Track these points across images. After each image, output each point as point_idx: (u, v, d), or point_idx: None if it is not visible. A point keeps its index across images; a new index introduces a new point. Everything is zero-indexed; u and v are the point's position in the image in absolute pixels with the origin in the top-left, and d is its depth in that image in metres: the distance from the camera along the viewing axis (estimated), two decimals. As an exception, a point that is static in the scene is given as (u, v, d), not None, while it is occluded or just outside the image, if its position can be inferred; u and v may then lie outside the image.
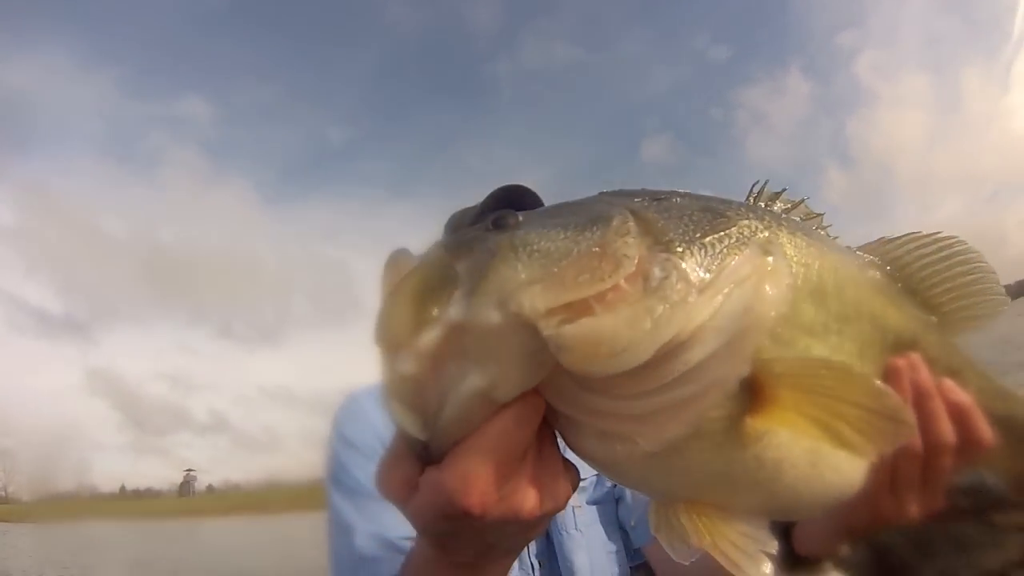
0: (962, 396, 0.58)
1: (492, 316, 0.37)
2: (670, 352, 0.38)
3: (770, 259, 0.43)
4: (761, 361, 0.42)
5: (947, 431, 0.57)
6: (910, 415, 0.41)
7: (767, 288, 0.41)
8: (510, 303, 0.37)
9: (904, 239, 0.61)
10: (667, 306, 0.37)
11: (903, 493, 0.58)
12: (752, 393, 0.43)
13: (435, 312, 0.38)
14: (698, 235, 0.42)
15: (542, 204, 1.11)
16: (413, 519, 0.44)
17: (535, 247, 0.40)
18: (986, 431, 0.58)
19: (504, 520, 0.42)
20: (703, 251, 0.41)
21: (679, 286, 0.38)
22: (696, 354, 0.39)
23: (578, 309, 0.37)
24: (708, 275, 0.40)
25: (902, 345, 0.57)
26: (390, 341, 0.39)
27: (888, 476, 0.57)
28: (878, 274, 0.59)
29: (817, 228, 0.59)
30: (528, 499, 0.43)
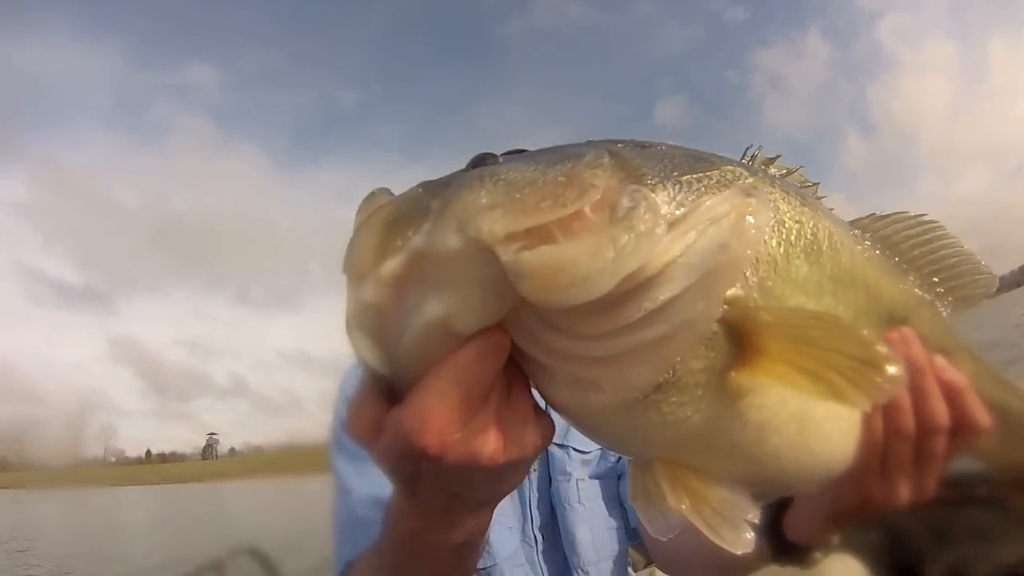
0: (957, 376, 0.55)
1: (451, 240, 0.36)
2: (635, 287, 0.36)
3: (752, 200, 0.40)
4: (749, 310, 0.41)
5: (940, 410, 0.54)
6: (901, 366, 0.38)
7: (746, 228, 0.38)
8: (469, 227, 0.36)
9: (893, 217, 0.60)
10: (632, 236, 0.35)
11: (894, 475, 0.55)
12: (739, 346, 0.41)
13: (400, 242, 0.38)
14: (675, 173, 0.40)
15: None
16: (379, 462, 0.43)
17: (502, 177, 0.38)
18: (982, 414, 0.55)
19: (464, 464, 0.40)
20: (678, 187, 0.39)
21: (647, 217, 0.36)
22: (664, 291, 0.36)
23: (539, 235, 0.35)
24: (681, 210, 0.38)
25: (896, 319, 0.55)
26: (354, 269, 0.38)
27: (879, 456, 0.54)
28: (875, 248, 0.57)
29: (814, 196, 0.56)
30: (489, 442, 0.40)
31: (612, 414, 0.41)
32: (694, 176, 0.40)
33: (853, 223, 0.58)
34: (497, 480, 0.44)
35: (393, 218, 0.39)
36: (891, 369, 0.38)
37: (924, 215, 0.60)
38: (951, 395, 0.54)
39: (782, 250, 0.45)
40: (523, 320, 0.39)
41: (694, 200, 0.38)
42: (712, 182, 0.40)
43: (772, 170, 0.54)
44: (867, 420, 0.50)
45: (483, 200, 0.37)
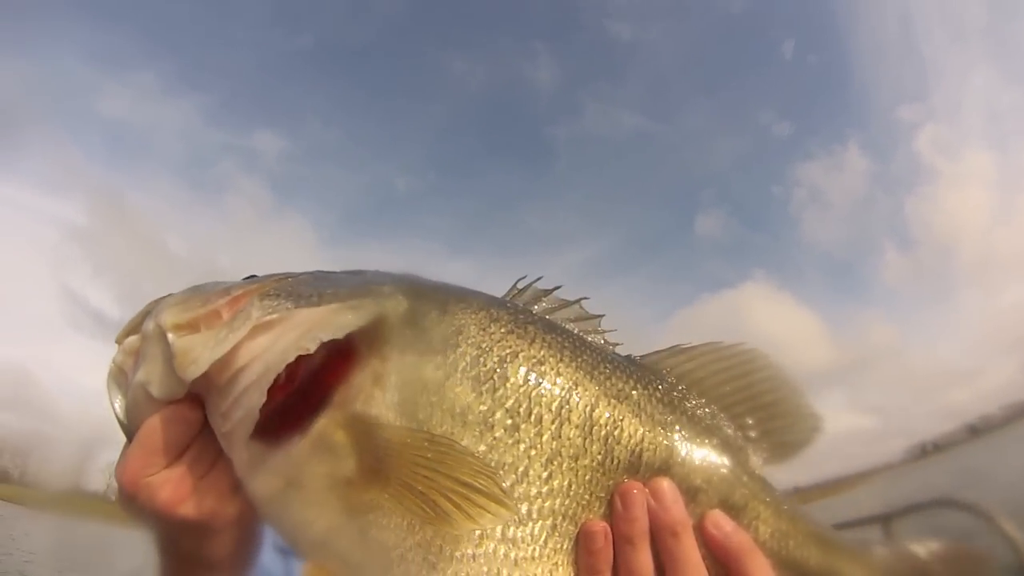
0: (734, 535, 0.51)
1: (148, 325, 0.50)
2: (229, 379, 0.46)
3: (349, 317, 0.46)
4: (371, 426, 0.44)
5: (694, 570, 0.49)
6: (508, 501, 0.41)
7: (310, 339, 0.45)
8: (157, 317, 0.50)
9: (701, 349, 0.58)
10: (229, 333, 0.46)
11: None
12: (361, 460, 0.44)
13: (141, 324, 0.51)
14: (298, 287, 0.50)
15: None
16: None
17: (200, 286, 0.51)
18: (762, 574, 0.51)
19: (146, 505, 0.48)
20: (283, 299, 0.48)
21: (241, 319, 0.47)
22: (239, 385, 0.46)
23: (192, 327, 0.48)
24: (272, 316, 0.47)
25: (648, 468, 0.51)
26: (116, 339, 0.51)
27: None
28: (634, 386, 0.53)
29: (594, 331, 0.56)
30: (164, 490, 0.48)
31: (265, 504, 0.47)
32: (315, 292, 0.49)
33: (646, 356, 0.57)
34: (191, 534, 0.50)
35: (148, 307, 0.51)
36: (499, 501, 0.41)
37: (743, 344, 0.58)
38: (725, 555, 0.51)
39: (440, 374, 0.47)
40: (208, 401, 0.49)
41: (287, 312, 0.47)
42: (325, 300, 0.48)
43: (544, 303, 0.55)
44: None
45: (173, 299, 0.51)
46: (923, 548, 0.62)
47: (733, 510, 0.53)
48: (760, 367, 0.58)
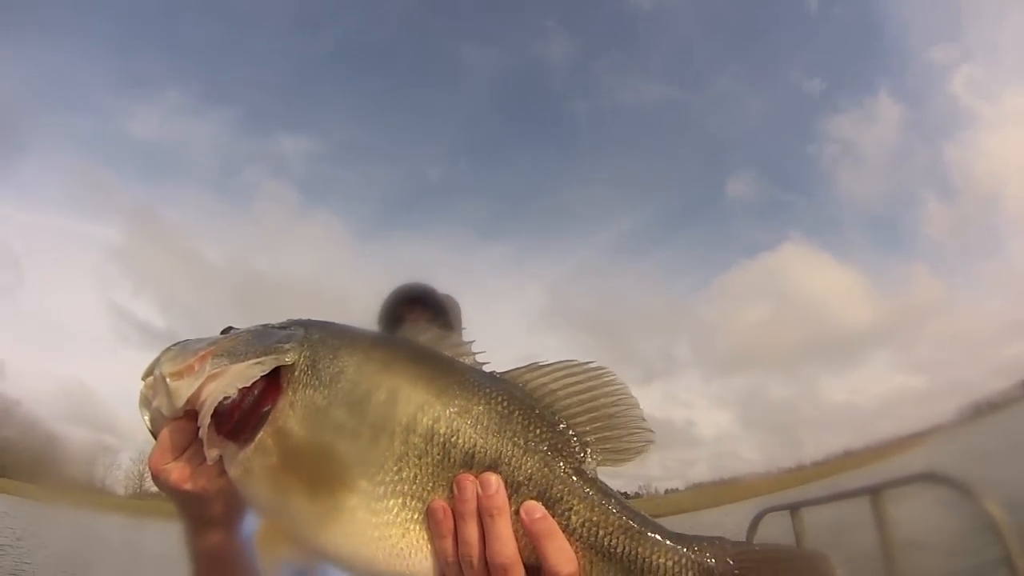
0: (541, 522, 0.62)
1: (156, 372, 0.70)
2: (197, 406, 0.67)
3: (255, 370, 0.66)
4: (283, 431, 0.64)
5: (507, 550, 0.61)
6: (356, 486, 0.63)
7: (237, 378, 0.66)
8: (159, 367, 0.70)
9: (555, 366, 0.68)
10: (195, 381, 0.67)
11: None
12: (281, 457, 0.64)
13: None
14: (239, 344, 0.70)
15: (436, 299, 1.50)
16: None
17: (189, 342, 0.73)
18: (562, 558, 0.61)
19: (164, 482, 0.72)
20: (224, 358, 0.68)
21: (202, 374, 0.67)
22: (203, 410, 0.66)
23: (178, 375, 0.68)
24: (216, 371, 0.67)
25: (480, 465, 0.64)
26: (141, 377, 0.72)
27: None
28: (477, 402, 0.66)
29: (466, 354, 0.72)
30: (173, 475, 0.70)
31: (235, 483, 0.67)
32: (249, 349, 0.69)
33: (507, 372, 0.70)
34: (194, 503, 0.75)
35: (157, 357, 0.72)
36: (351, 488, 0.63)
37: (592, 363, 0.68)
38: (533, 538, 0.62)
39: (326, 402, 0.65)
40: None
41: (224, 368, 0.67)
42: (246, 358, 0.68)
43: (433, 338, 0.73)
44: (440, 547, 0.63)
45: (169, 355, 0.71)
46: (753, 547, 0.67)
47: (549, 502, 0.64)
48: (604, 383, 0.69)
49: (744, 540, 0.79)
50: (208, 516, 0.77)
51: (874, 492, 3.42)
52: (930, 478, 3.17)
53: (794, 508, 4.03)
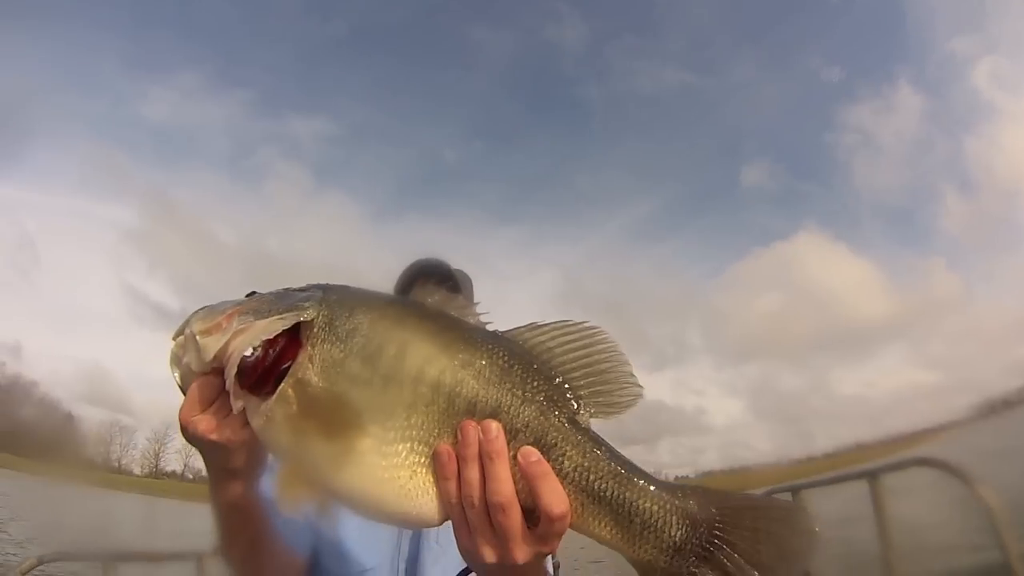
0: (534, 462, 0.68)
1: (186, 330, 0.74)
2: (224, 360, 0.71)
3: (277, 325, 0.71)
4: (305, 383, 0.69)
5: (505, 490, 0.67)
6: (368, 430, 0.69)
7: (261, 332, 0.71)
8: (190, 326, 0.74)
9: (552, 325, 0.74)
10: (223, 336, 0.72)
11: (476, 538, 0.69)
12: (303, 403, 0.68)
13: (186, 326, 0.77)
14: (263, 304, 0.75)
15: (449, 272, 1.55)
16: None
17: (216, 304, 0.77)
18: (554, 498, 0.67)
19: (193, 432, 0.74)
20: (249, 315, 0.73)
21: (229, 330, 0.72)
22: (229, 364, 0.71)
23: (207, 333, 0.73)
24: (242, 326, 0.72)
25: (481, 413, 0.69)
26: (172, 337, 0.77)
27: (461, 520, 0.70)
28: (480, 356, 0.72)
29: (471, 314, 0.77)
30: (201, 425, 0.74)
31: (258, 432, 0.72)
32: (272, 308, 0.74)
33: (509, 331, 0.75)
34: (219, 453, 0.78)
35: (187, 319, 0.76)
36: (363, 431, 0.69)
37: (587, 323, 0.73)
38: (529, 480, 0.68)
39: (342, 355, 0.70)
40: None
41: (250, 324, 0.72)
42: (269, 315, 0.73)
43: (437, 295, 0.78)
44: (444, 488, 0.69)
45: (199, 315, 0.75)
46: (733, 495, 0.72)
47: (545, 448, 0.69)
48: (597, 341, 0.73)
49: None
50: (232, 466, 0.81)
51: (872, 475, 3.58)
52: (925, 462, 3.31)
53: (795, 490, 4.23)
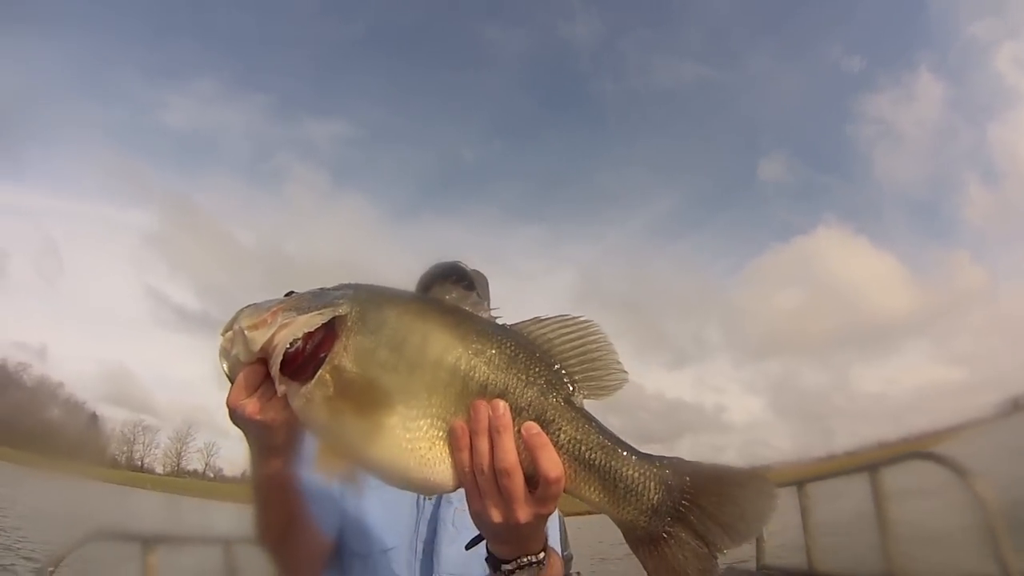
0: (536, 436, 0.78)
1: (235, 326, 0.82)
2: (269, 351, 0.79)
3: (316, 320, 0.80)
4: (341, 370, 0.78)
5: (509, 458, 0.77)
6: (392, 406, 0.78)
7: (304, 326, 0.79)
8: (238, 321, 0.82)
9: (553, 319, 0.84)
10: (268, 330, 0.79)
11: (485, 501, 0.80)
12: (340, 386, 0.77)
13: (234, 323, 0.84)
14: (303, 302, 0.83)
15: (465, 273, 1.63)
16: None
17: (258, 303, 0.86)
18: (551, 465, 0.77)
19: (240, 413, 0.82)
20: (292, 312, 0.81)
21: (274, 324, 0.80)
22: (274, 354, 0.79)
23: (254, 327, 0.80)
24: (286, 321, 0.80)
25: (491, 393, 0.79)
26: (221, 332, 0.84)
27: (472, 485, 0.80)
28: (491, 347, 0.82)
29: (484, 310, 0.88)
30: (247, 408, 0.81)
31: (298, 413, 0.80)
32: (311, 305, 0.82)
33: (516, 324, 0.86)
34: (264, 432, 0.85)
35: (235, 315, 0.84)
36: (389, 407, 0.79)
37: (582, 317, 0.84)
38: (529, 449, 0.78)
39: (372, 345, 0.79)
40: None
41: (292, 319, 0.80)
42: (309, 311, 0.81)
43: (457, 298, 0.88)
44: (458, 458, 0.79)
45: (246, 312, 0.83)
46: (704, 465, 0.82)
47: (544, 423, 0.79)
48: (591, 333, 0.84)
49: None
50: (273, 444, 0.89)
51: (872, 469, 3.71)
52: (924, 456, 3.42)
53: (800, 484, 4.38)
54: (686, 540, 0.79)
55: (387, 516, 1.32)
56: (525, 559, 0.88)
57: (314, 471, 0.80)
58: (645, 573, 0.83)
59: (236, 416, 0.84)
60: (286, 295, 0.88)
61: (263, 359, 0.81)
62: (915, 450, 3.59)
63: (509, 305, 0.89)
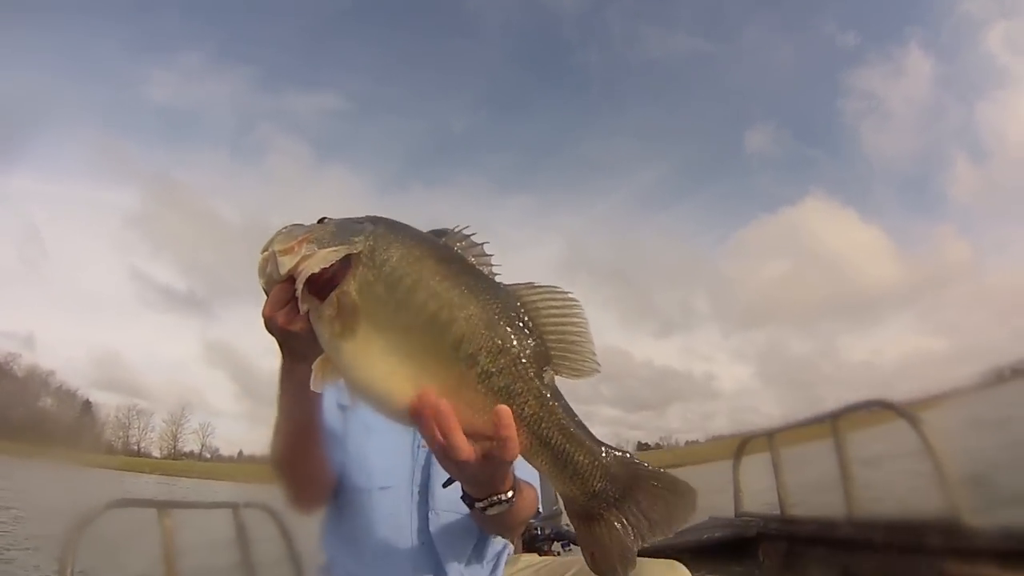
0: (503, 415, 0.81)
1: (270, 248, 0.89)
2: (296, 275, 0.85)
3: (335, 254, 0.85)
4: (348, 296, 0.84)
5: (459, 455, 0.83)
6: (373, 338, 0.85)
7: (312, 260, 0.84)
8: (273, 245, 0.89)
9: (545, 288, 0.87)
10: (296, 258, 0.86)
11: (443, 462, 0.88)
12: (343, 312, 0.83)
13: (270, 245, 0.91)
14: (326, 234, 0.88)
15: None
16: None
17: (291, 228, 0.93)
18: (510, 446, 0.81)
19: (274, 323, 0.92)
20: (314, 244, 0.87)
21: (300, 253, 0.86)
22: (300, 278, 0.85)
23: (286, 252, 0.87)
24: (309, 252, 0.86)
25: (464, 351, 0.82)
26: (261, 251, 0.91)
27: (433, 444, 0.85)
28: (476, 301, 0.84)
29: (483, 260, 0.89)
30: (279, 318, 0.91)
31: (313, 325, 0.87)
32: (336, 235, 0.87)
33: (510, 285, 0.88)
34: (292, 339, 0.94)
35: (271, 239, 0.91)
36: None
37: (570, 294, 0.86)
38: (494, 427, 0.82)
39: (373, 279, 0.84)
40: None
41: (314, 251, 0.85)
42: (331, 244, 0.86)
43: (460, 242, 0.91)
44: (417, 423, 0.84)
45: (280, 237, 0.90)
46: (644, 466, 0.87)
47: (512, 394, 0.82)
48: (575, 314, 0.86)
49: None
50: (301, 351, 0.96)
51: (834, 417, 4.01)
52: (881, 404, 3.69)
53: (770, 434, 4.78)
54: (615, 525, 0.86)
55: (386, 461, 1.46)
56: (495, 497, 1.01)
57: (313, 372, 0.86)
58: None
59: (270, 325, 0.94)
60: (319, 221, 0.94)
61: (292, 279, 0.88)
62: (873, 399, 3.84)
63: (498, 276, 0.90)
